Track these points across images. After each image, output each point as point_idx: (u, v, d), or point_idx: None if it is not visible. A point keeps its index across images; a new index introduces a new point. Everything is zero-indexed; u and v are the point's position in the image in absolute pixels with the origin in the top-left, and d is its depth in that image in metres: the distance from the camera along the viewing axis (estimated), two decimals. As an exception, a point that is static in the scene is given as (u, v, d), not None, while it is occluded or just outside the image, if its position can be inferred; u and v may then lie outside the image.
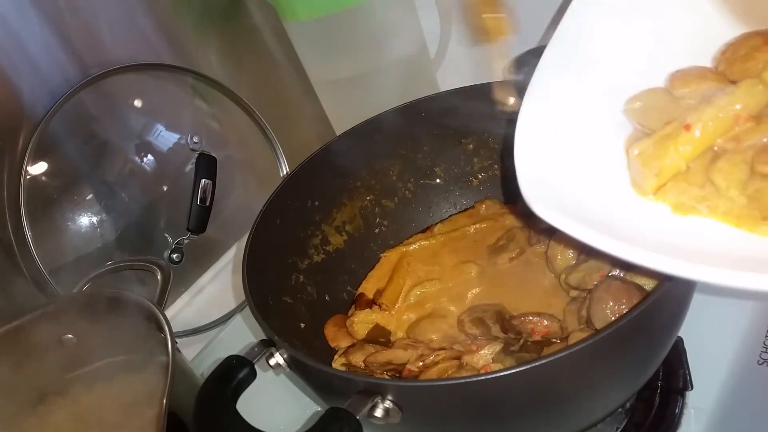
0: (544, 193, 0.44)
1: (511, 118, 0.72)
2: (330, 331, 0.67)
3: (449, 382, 0.46)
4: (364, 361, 0.59)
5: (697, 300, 0.51)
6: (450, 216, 0.79)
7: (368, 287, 0.73)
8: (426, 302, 0.67)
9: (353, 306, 0.71)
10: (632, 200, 0.46)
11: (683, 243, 0.42)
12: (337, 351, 0.65)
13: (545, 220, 0.42)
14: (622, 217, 0.44)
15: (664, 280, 0.43)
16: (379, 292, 0.71)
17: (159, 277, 0.68)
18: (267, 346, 0.51)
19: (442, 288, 0.68)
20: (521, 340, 0.58)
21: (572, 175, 0.47)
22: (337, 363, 0.62)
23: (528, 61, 0.74)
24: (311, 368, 0.48)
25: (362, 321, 0.67)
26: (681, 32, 0.51)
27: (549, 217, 0.42)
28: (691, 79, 0.49)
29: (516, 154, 0.46)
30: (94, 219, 0.76)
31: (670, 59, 0.50)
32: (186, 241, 0.83)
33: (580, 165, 0.48)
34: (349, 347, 0.63)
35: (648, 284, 0.55)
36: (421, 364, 0.57)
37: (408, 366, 0.57)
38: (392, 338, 0.65)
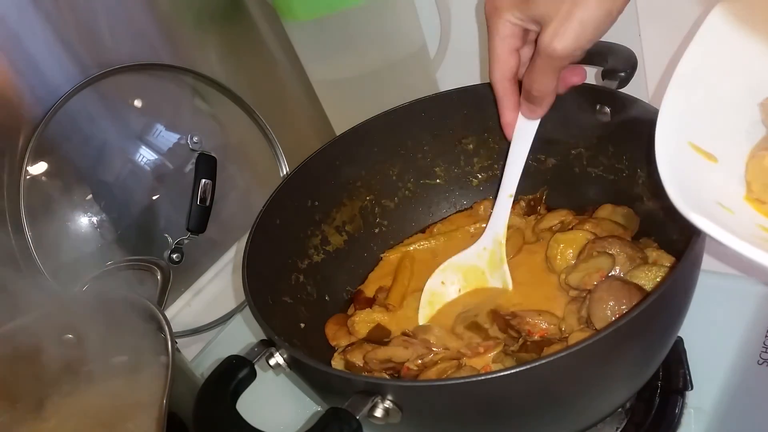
0: (690, 199, 0.42)
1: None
2: (331, 329, 0.67)
3: (449, 382, 0.46)
4: (363, 358, 0.60)
5: (697, 300, 0.51)
6: (449, 216, 0.79)
7: (370, 287, 0.73)
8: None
9: (353, 305, 0.71)
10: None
11: None
12: (336, 350, 0.65)
13: (702, 229, 0.40)
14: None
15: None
16: (381, 290, 0.71)
17: (159, 277, 0.68)
18: (267, 346, 0.51)
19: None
20: (520, 340, 0.58)
21: (707, 176, 0.46)
22: (336, 361, 0.62)
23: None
24: (311, 368, 0.48)
25: (363, 320, 0.67)
26: None
27: (705, 226, 0.39)
28: None
29: (658, 159, 0.45)
30: (94, 219, 0.76)
31: None
32: (186, 241, 0.83)
33: (714, 167, 0.47)
34: (348, 346, 0.63)
35: (648, 284, 0.55)
36: (420, 362, 0.57)
37: (407, 364, 0.57)
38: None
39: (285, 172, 0.90)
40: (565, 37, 0.51)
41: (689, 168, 0.46)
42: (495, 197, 0.68)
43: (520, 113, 0.63)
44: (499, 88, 0.62)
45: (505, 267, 0.66)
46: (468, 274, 0.67)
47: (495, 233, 0.67)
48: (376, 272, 0.75)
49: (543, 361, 0.41)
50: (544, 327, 0.57)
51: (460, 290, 0.67)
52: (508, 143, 0.65)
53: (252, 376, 0.50)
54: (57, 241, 0.74)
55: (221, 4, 0.93)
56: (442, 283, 0.67)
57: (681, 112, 0.48)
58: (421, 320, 0.65)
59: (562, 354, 0.40)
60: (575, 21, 0.50)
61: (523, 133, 0.64)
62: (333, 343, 0.66)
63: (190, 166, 0.83)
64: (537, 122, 0.63)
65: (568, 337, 0.56)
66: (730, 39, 0.51)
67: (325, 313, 0.69)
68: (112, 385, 0.65)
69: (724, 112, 0.50)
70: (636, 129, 0.61)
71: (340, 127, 0.95)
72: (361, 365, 0.60)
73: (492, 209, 0.68)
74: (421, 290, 0.68)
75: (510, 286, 0.65)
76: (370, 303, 0.70)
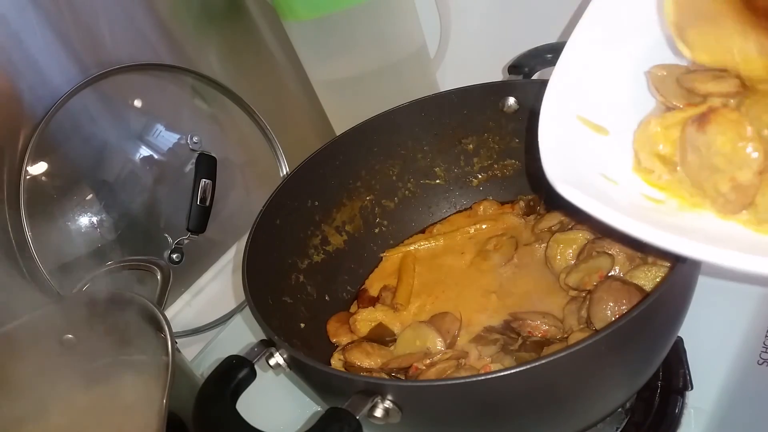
0: (566, 170, 0.43)
1: (512, 117, 0.73)
2: (332, 326, 0.67)
3: (449, 382, 0.46)
4: (382, 369, 0.59)
5: (697, 300, 0.51)
6: (449, 216, 0.79)
7: (374, 286, 0.73)
8: (427, 304, 0.67)
9: (356, 302, 0.72)
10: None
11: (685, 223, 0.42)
12: (336, 348, 0.65)
13: (566, 198, 0.41)
14: (630, 193, 0.45)
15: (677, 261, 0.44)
16: (385, 289, 0.71)
17: (159, 277, 0.68)
18: (267, 346, 0.51)
19: (445, 291, 0.68)
20: (519, 339, 0.58)
21: (594, 148, 0.47)
22: (335, 360, 0.62)
23: (527, 62, 0.74)
24: (311, 368, 0.48)
25: (365, 319, 0.67)
26: None
27: (570, 195, 0.41)
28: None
29: (540, 130, 0.46)
30: (94, 219, 0.76)
31: None
32: (186, 241, 0.83)
33: (602, 140, 0.48)
34: (347, 344, 0.63)
35: (648, 285, 0.55)
36: (428, 362, 0.57)
37: (415, 364, 0.57)
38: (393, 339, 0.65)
39: (285, 172, 0.90)
40: None
41: (574, 141, 0.46)
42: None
43: None
44: None
45: None
46: None
47: None
48: (378, 271, 0.75)
49: (543, 361, 0.41)
50: (545, 329, 0.57)
51: None
52: (508, 142, 0.64)
53: (252, 376, 0.50)
54: (57, 241, 0.74)
55: (221, 4, 0.93)
56: None
57: (569, 85, 0.49)
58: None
59: (562, 354, 0.40)
60: None
61: None
62: (333, 340, 0.66)
63: (190, 166, 0.83)
64: None
65: (567, 337, 0.56)
66: (619, 10, 0.51)
67: (326, 313, 0.69)
68: (112, 384, 0.65)
69: (615, 84, 0.50)
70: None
71: (340, 127, 0.95)
72: (360, 365, 0.60)
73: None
74: (426, 292, 0.68)
75: None
76: (373, 302, 0.70)
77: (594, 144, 0.47)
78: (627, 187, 0.45)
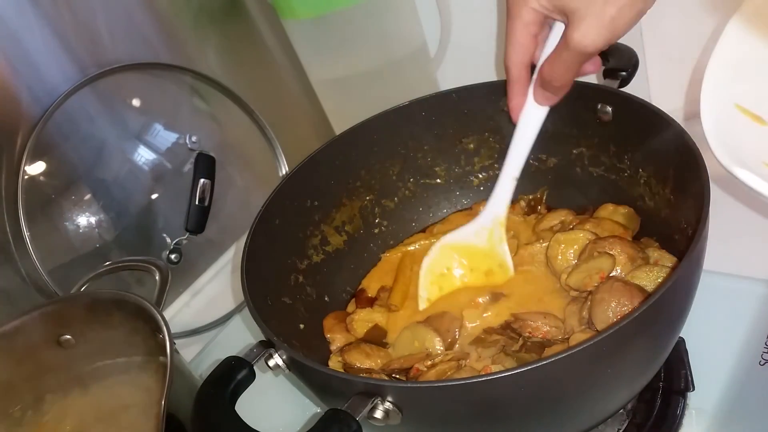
0: (732, 154, 0.44)
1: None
2: (329, 322, 0.67)
3: (449, 384, 0.45)
4: (383, 370, 0.59)
5: (699, 301, 0.51)
6: (449, 215, 0.78)
7: (372, 287, 0.73)
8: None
9: (353, 301, 0.71)
10: None
11: None
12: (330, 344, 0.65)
13: (741, 180, 0.43)
14: None
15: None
16: (383, 290, 0.71)
17: (157, 277, 0.67)
18: (266, 347, 0.50)
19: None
20: (520, 340, 0.58)
21: (754, 136, 0.48)
22: (334, 362, 0.62)
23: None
24: (310, 369, 0.48)
25: (362, 320, 0.66)
26: None
27: (745, 177, 0.43)
28: None
29: (703, 117, 0.47)
30: (93, 219, 0.76)
31: None
32: (184, 242, 0.83)
33: (761, 129, 0.49)
34: (345, 346, 0.63)
35: (649, 285, 0.55)
36: (429, 363, 0.57)
37: (416, 366, 0.57)
38: (387, 340, 0.65)
39: (284, 172, 0.89)
40: (599, 35, 0.51)
41: (733, 128, 0.47)
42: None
43: (531, 98, 0.62)
44: (514, 73, 0.61)
45: (505, 247, 0.65)
46: (467, 254, 0.66)
47: (495, 215, 0.66)
48: (377, 271, 0.75)
49: (544, 363, 0.40)
50: (546, 330, 0.57)
51: (463, 276, 0.66)
52: (509, 142, 0.64)
53: (251, 377, 0.49)
54: (55, 241, 0.74)
55: (220, 3, 0.93)
56: (447, 269, 0.66)
57: (727, 74, 0.49)
58: (422, 305, 0.65)
59: (563, 355, 0.40)
60: (608, 19, 0.50)
61: (532, 118, 0.62)
62: (327, 336, 0.66)
63: (188, 166, 0.83)
64: (548, 108, 0.62)
65: (569, 338, 0.56)
66: None
67: (325, 314, 0.69)
68: (110, 385, 0.65)
69: None
70: (637, 128, 0.60)
71: (340, 126, 0.95)
72: (360, 366, 0.60)
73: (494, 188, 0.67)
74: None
75: (511, 270, 0.65)
76: (371, 302, 0.70)
77: (754, 132, 0.48)
78: None
